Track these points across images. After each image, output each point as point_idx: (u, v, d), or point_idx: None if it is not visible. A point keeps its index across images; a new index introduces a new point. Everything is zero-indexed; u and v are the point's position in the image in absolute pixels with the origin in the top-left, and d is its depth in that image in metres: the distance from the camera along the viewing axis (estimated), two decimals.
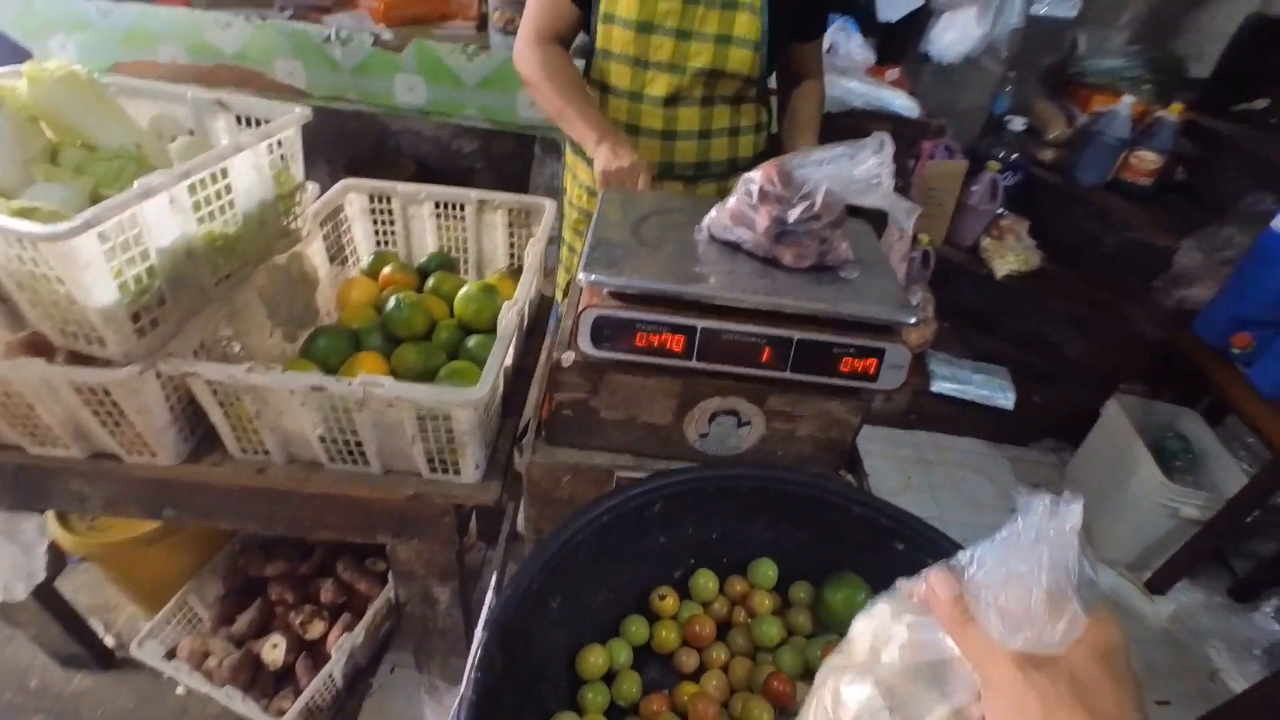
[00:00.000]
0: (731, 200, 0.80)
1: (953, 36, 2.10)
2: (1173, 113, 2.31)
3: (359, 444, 0.84)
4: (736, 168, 1.34)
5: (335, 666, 1.33)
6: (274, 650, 1.38)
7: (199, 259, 0.79)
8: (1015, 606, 0.35)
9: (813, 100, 1.28)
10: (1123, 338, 2.26)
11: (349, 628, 1.39)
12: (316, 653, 1.40)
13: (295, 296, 1.01)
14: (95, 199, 0.75)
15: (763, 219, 0.76)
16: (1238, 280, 1.81)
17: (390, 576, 1.26)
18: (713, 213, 0.83)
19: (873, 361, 0.76)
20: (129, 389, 0.76)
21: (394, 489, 0.88)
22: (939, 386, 2.33)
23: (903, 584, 0.46)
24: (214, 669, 1.36)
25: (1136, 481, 1.93)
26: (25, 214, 0.72)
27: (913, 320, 0.76)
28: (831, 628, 0.82)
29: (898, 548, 0.82)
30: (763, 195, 0.76)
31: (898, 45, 2.30)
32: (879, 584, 0.82)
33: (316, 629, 1.42)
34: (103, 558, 1.38)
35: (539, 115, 1.96)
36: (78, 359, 0.79)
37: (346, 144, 2.77)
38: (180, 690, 1.48)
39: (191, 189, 0.76)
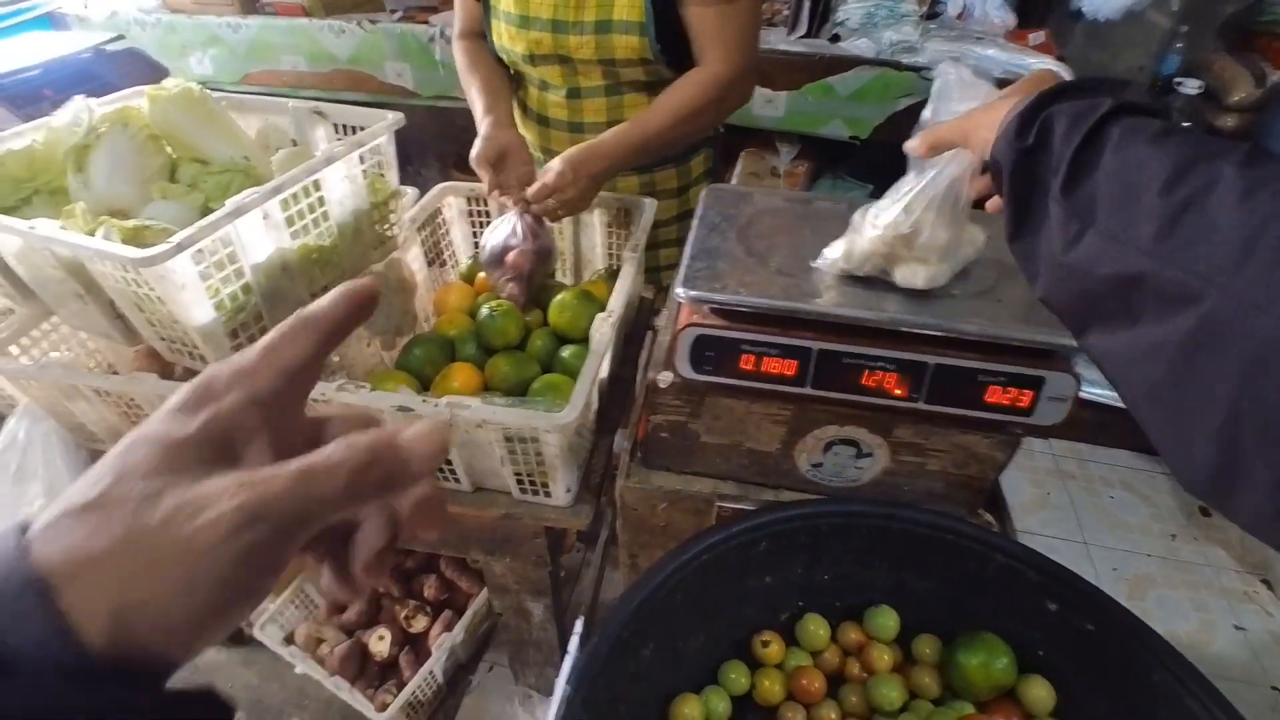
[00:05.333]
0: None
1: None
2: None
3: (448, 461, 0.81)
4: (696, 148, 1.26)
5: (436, 664, 1.35)
6: (380, 642, 1.42)
7: (295, 273, 0.79)
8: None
9: (670, 94, 1.03)
10: None
11: (450, 625, 1.41)
12: (419, 647, 1.43)
13: (393, 304, 1.00)
14: (206, 214, 0.75)
15: None
16: None
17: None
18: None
19: (1028, 393, 0.64)
20: None
21: (484, 507, 0.85)
22: (1088, 391, 2.06)
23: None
24: (326, 656, 1.42)
25: None
26: (138, 233, 0.74)
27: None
28: (963, 694, 0.72)
29: (1050, 608, 0.70)
30: None
31: (1042, 4, 2.03)
32: (1024, 649, 0.70)
33: (420, 624, 1.44)
34: None
35: None
36: (194, 372, 0.81)
37: (457, 142, 2.82)
38: (299, 670, 1.56)
39: (284, 204, 0.74)
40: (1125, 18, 2.01)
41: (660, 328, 0.86)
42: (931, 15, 1.84)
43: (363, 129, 0.87)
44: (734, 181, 1.91)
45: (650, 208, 1.05)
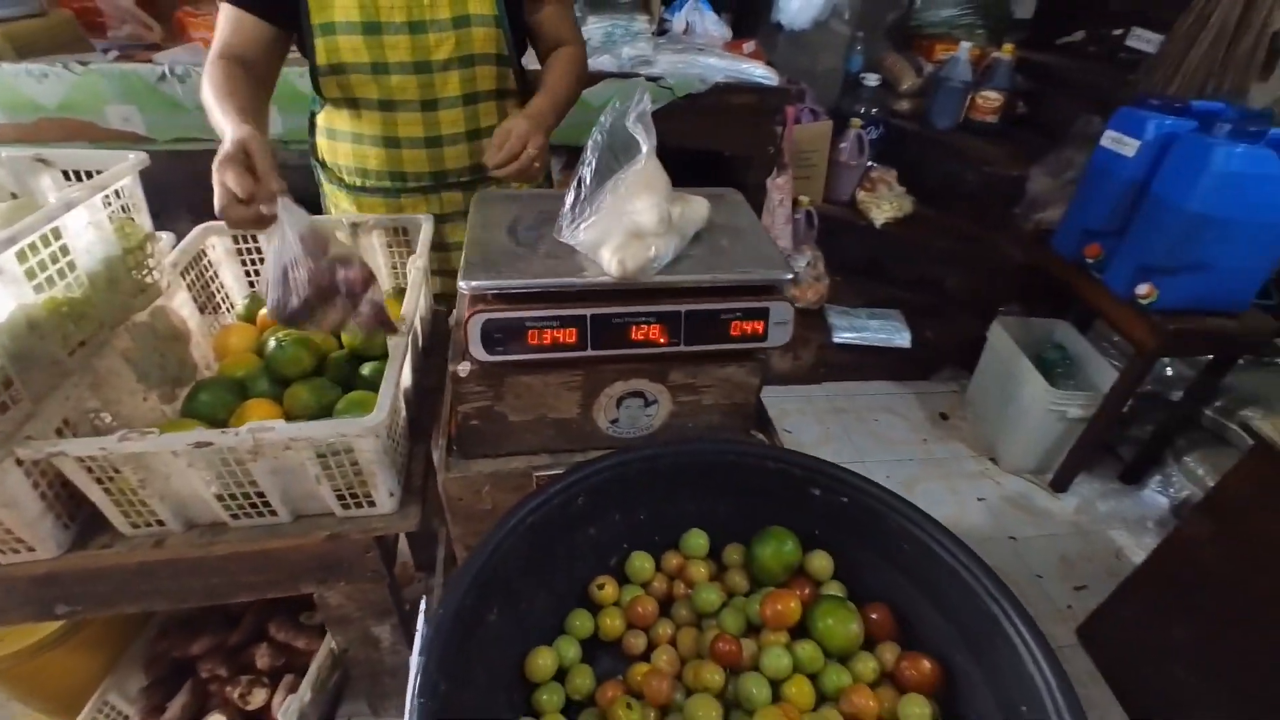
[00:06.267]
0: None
1: (800, 3, 2.19)
2: (1006, 53, 2.50)
3: (261, 495, 0.80)
4: None
5: None
6: None
7: (44, 330, 0.73)
8: None
9: (560, 64, 1.18)
10: (995, 265, 2.44)
11: (294, 689, 1.33)
12: None
13: (166, 354, 0.95)
14: None
15: None
16: (1081, 197, 1.99)
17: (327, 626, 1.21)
18: None
19: (759, 323, 0.79)
20: None
21: (308, 534, 0.84)
22: (840, 337, 2.45)
23: None
24: None
25: (1027, 393, 2.10)
26: None
27: (789, 276, 0.80)
28: (766, 581, 0.86)
29: (814, 493, 0.86)
30: None
31: (750, 18, 2.38)
32: (803, 531, 0.86)
33: (258, 698, 1.34)
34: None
35: None
36: None
37: (205, 187, 2.60)
38: None
39: (21, 256, 0.69)
40: (815, 27, 2.40)
41: (453, 325, 0.92)
42: (661, 32, 2.07)
43: (98, 173, 0.83)
44: None
45: (428, 223, 1.10)
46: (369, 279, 0.81)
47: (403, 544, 1.60)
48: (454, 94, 1.13)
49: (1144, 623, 1.59)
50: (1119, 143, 1.81)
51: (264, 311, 1.08)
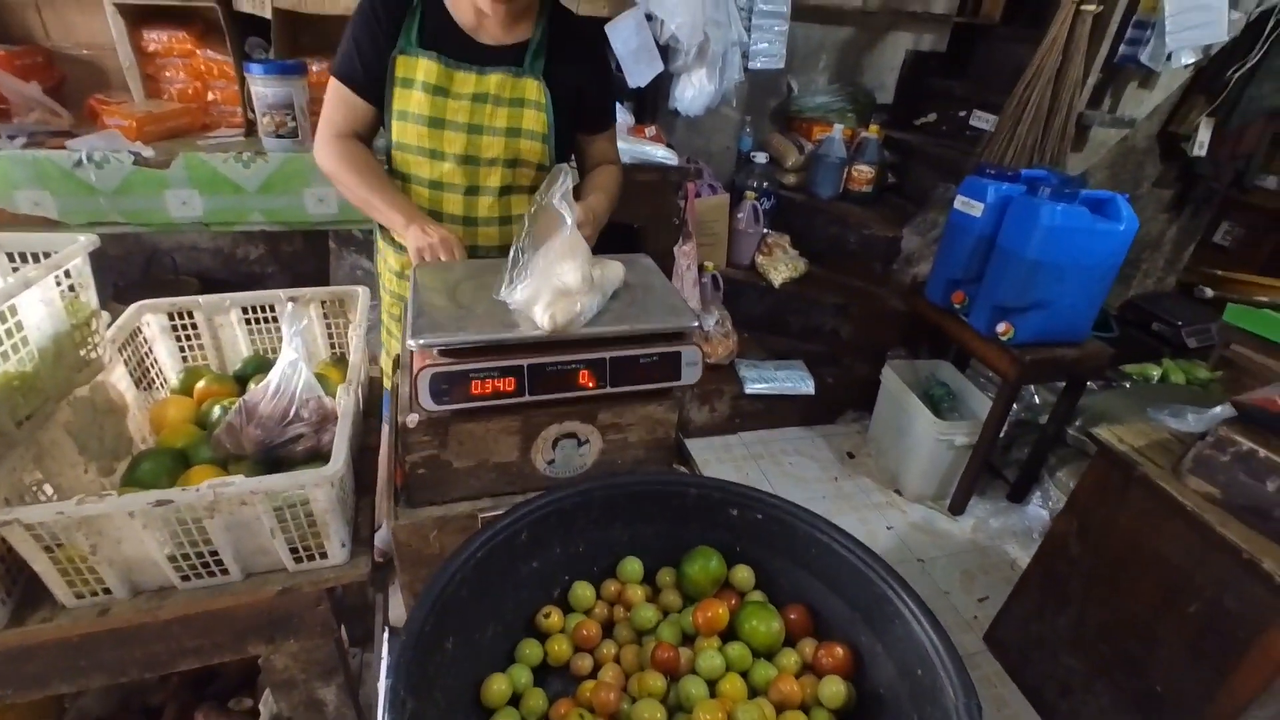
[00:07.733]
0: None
1: (692, 93, 2.45)
2: (873, 133, 2.87)
3: (214, 554, 0.83)
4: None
5: None
6: None
7: None
8: None
9: (601, 177, 1.40)
10: (881, 314, 2.72)
11: None
12: None
13: (105, 427, 0.96)
14: None
15: None
16: (944, 252, 2.28)
17: (268, 697, 1.19)
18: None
19: (673, 365, 0.92)
20: None
21: (260, 590, 0.87)
22: (751, 388, 2.63)
23: None
24: None
25: (919, 427, 2.33)
26: None
27: (695, 324, 0.93)
28: (696, 596, 0.95)
29: (733, 513, 0.96)
30: None
31: (650, 106, 2.63)
32: (726, 548, 0.97)
33: None
34: None
35: (329, 211, 1.98)
36: None
37: (111, 270, 2.55)
38: None
39: None
40: (708, 114, 2.67)
41: (399, 382, 0.99)
42: None
43: (45, 255, 0.87)
44: None
45: (364, 294, 1.18)
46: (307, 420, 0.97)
47: None
48: (494, 185, 1.31)
49: (1034, 620, 1.77)
50: (968, 205, 2.12)
51: (201, 384, 1.12)
